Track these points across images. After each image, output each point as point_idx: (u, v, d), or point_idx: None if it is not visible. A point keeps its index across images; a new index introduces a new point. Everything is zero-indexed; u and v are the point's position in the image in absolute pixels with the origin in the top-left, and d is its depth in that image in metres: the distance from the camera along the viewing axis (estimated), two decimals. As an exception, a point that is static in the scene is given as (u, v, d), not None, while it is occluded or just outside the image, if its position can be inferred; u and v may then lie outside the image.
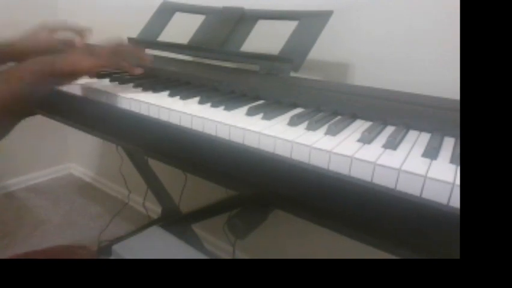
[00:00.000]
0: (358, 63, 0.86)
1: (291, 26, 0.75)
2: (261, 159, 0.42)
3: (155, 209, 1.45)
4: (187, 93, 0.58)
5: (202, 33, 0.86)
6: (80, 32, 0.73)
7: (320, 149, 0.38)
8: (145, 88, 0.62)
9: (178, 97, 0.57)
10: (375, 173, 0.35)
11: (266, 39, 0.83)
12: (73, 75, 0.54)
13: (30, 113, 0.55)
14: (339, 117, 0.51)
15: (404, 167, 0.34)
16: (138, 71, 0.62)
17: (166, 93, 0.59)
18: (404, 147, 0.40)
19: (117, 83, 0.66)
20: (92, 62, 0.54)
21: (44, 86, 0.52)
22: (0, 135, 0.50)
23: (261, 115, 0.49)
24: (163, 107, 0.52)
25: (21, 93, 0.48)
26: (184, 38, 0.87)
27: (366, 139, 0.41)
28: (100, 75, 0.71)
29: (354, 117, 0.52)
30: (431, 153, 0.38)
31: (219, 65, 0.83)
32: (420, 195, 0.33)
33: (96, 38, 1.20)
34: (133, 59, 0.61)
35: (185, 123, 0.49)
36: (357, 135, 0.42)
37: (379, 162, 0.35)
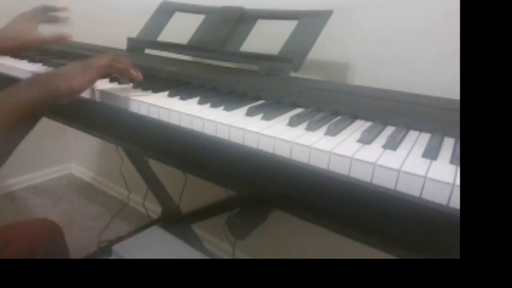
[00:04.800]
0: (358, 63, 0.86)
1: (291, 25, 0.75)
2: (260, 160, 0.42)
3: (155, 209, 1.45)
4: (187, 93, 0.57)
5: (202, 33, 0.86)
6: (59, 19, 0.71)
7: (319, 150, 0.38)
8: (145, 88, 0.62)
9: (177, 97, 0.57)
10: (375, 173, 0.35)
11: (266, 39, 0.83)
12: (70, 93, 0.52)
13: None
14: (339, 117, 0.51)
15: (403, 168, 0.34)
16: (137, 73, 0.61)
17: (166, 93, 0.59)
18: (404, 147, 0.40)
19: (116, 83, 0.66)
20: (88, 76, 0.53)
21: (41, 110, 0.51)
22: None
23: (260, 115, 0.49)
24: (162, 107, 0.52)
25: (16, 124, 0.47)
26: (183, 38, 0.87)
27: (366, 139, 0.41)
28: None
29: (354, 117, 0.51)
30: (431, 153, 0.38)
31: (219, 65, 0.83)
32: (420, 196, 0.33)
33: (96, 38, 1.20)
34: (125, 74, 0.61)
35: (185, 123, 0.49)
36: (357, 135, 0.42)
37: (379, 162, 0.35)
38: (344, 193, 0.37)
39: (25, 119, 0.48)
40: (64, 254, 0.73)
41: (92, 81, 0.54)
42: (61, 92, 0.51)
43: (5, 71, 0.80)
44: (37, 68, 0.77)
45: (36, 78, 0.51)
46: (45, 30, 0.69)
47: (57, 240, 0.73)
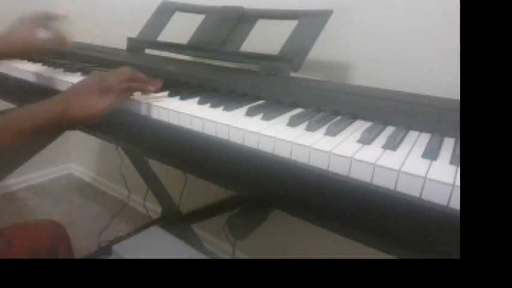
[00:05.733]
0: (358, 63, 0.86)
1: (291, 25, 0.75)
2: (260, 160, 0.42)
3: (155, 209, 1.45)
4: (187, 93, 0.57)
5: (202, 33, 0.86)
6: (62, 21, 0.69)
7: (319, 150, 0.38)
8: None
9: (177, 97, 0.57)
10: (374, 174, 0.35)
11: (266, 39, 0.83)
12: (86, 120, 0.50)
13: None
14: (339, 117, 0.51)
15: (403, 168, 0.34)
16: (153, 88, 0.58)
17: (166, 93, 0.59)
18: (404, 147, 0.40)
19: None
20: (106, 102, 0.51)
21: (56, 132, 0.50)
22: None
23: (260, 115, 0.49)
24: (162, 107, 0.52)
25: (19, 145, 0.47)
26: (184, 38, 0.87)
27: (366, 140, 0.41)
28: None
29: (354, 117, 0.51)
30: (431, 153, 0.38)
31: (219, 65, 0.83)
32: (420, 196, 0.33)
33: (96, 38, 1.20)
34: (144, 90, 0.58)
35: (185, 123, 0.49)
36: (357, 135, 0.42)
37: (379, 163, 0.35)
38: (343, 193, 0.37)
39: (40, 138, 0.48)
40: (67, 256, 0.73)
41: (110, 106, 0.51)
42: (77, 119, 0.50)
43: (5, 71, 0.80)
44: (37, 68, 0.77)
45: (53, 101, 0.49)
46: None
47: (61, 242, 0.72)
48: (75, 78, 0.67)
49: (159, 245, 0.90)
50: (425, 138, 0.44)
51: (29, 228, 0.70)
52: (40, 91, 0.72)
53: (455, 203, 0.31)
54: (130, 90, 0.55)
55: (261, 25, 0.81)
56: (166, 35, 0.94)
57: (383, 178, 0.35)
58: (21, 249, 0.63)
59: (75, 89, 0.52)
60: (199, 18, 0.89)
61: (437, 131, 0.46)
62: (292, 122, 0.46)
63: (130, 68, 0.56)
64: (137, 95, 0.57)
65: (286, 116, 0.50)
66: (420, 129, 0.47)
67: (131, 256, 0.85)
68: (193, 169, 0.54)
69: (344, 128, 0.46)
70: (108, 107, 0.51)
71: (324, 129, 0.44)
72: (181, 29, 0.90)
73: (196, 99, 0.55)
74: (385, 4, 0.80)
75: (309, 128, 0.44)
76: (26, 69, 0.75)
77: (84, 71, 0.72)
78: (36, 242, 0.67)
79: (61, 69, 0.75)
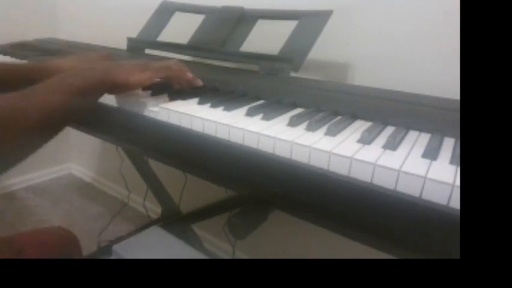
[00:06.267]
0: (358, 63, 0.86)
1: (291, 26, 0.75)
2: (260, 160, 0.42)
3: (155, 209, 1.45)
4: (187, 94, 0.58)
5: (202, 33, 0.86)
6: None
7: (319, 150, 0.38)
8: (144, 89, 0.62)
9: (178, 97, 0.57)
10: (375, 173, 0.35)
11: (266, 39, 0.83)
12: (124, 86, 0.53)
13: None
14: (339, 117, 0.51)
15: (403, 168, 0.34)
16: (197, 83, 0.61)
17: (166, 93, 0.59)
18: (404, 147, 0.40)
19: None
20: (146, 75, 0.54)
21: (93, 96, 0.52)
22: (40, 145, 0.49)
23: (260, 115, 0.49)
24: (163, 107, 0.52)
25: (71, 103, 0.47)
26: (183, 38, 0.87)
27: (366, 140, 0.41)
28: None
29: (354, 117, 0.51)
30: (431, 153, 0.38)
31: (219, 65, 0.83)
32: (420, 196, 0.33)
33: (96, 38, 1.20)
34: (182, 80, 0.60)
35: (185, 123, 0.49)
36: (357, 135, 0.42)
37: (379, 163, 0.35)
38: (343, 193, 0.37)
39: (70, 110, 0.49)
40: None
41: (148, 81, 0.54)
42: (117, 83, 0.52)
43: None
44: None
45: (96, 65, 0.53)
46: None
47: (72, 249, 0.71)
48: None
49: (159, 245, 0.90)
50: (425, 138, 0.44)
51: (39, 236, 0.69)
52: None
53: (455, 203, 0.31)
54: (170, 71, 0.58)
55: (261, 25, 0.81)
56: (166, 35, 0.94)
57: (383, 178, 0.35)
58: (32, 257, 0.62)
59: (121, 62, 0.56)
60: (199, 18, 0.89)
61: (437, 131, 0.46)
62: (293, 122, 0.46)
63: (178, 61, 0.59)
64: (138, 96, 0.57)
65: (286, 116, 0.50)
66: (420, 129, 0.47)
67: (131, 256, 0.85)
68: (193, 169, 0.54)
69: (344, 128, 0.46)
70: (143, 81, 0.54)
71: (324, 129, 0.44)
72: (181, 29, 0.90)
73: (196, 99, 0.55)
74: (385, 4, 0.80)
75: (309, 128, 0.44)
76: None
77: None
78: (47, 249, 0.66)
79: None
